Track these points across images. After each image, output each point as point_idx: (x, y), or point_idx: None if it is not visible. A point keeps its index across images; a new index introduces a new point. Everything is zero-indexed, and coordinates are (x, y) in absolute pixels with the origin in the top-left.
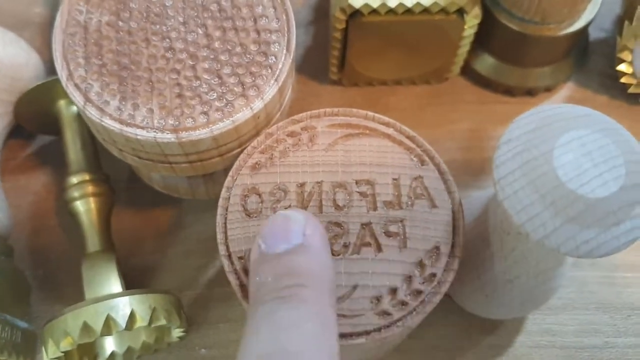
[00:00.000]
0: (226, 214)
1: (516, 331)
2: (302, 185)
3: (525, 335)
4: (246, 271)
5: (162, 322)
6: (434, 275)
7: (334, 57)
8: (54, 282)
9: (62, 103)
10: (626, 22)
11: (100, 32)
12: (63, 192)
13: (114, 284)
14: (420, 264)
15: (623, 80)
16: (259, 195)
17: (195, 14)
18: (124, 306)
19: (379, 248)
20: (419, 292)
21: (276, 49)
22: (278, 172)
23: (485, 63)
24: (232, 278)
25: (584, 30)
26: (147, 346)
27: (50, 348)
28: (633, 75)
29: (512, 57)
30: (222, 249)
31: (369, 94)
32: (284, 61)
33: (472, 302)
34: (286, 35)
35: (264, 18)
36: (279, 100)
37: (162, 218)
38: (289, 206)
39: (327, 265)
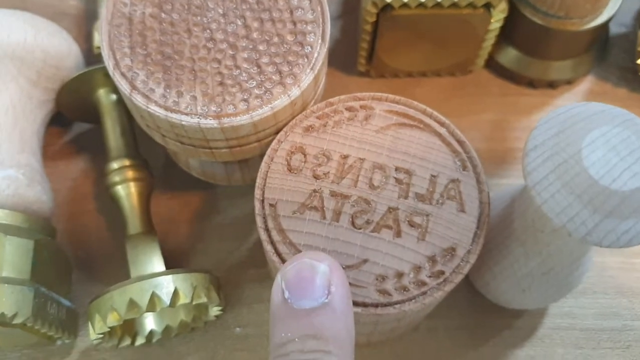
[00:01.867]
0: (271, 163)
1: (538, 314)
2: (345, 157)
3: (546, 317)
4: (272, 217)
5: (203, 299)
6: (442, 272)
7: (363, 49)
8: (93, 264)
9: (101, 92)
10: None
11: (144, 24)
12: (104, 177)
13: (157, 264)
14: (432, 259)
15: None
16: (304, 155)
17: (234, 6)
18: (168, 284)
19: (398, 233)
20: (423, 284)
21: (312, 39)
22: (327, 139)
23: (509, 56)
24: (259, 220)
25: (605, 25)
26: (185, 325)
27: (97, 323)
28: None
29: (535, 50)
30: (258, 192)
31: (395, 85)
32: (320, 50)
33: (508, 298)
34: (321, 26)
35: (299, 10)
36: (314, 88)
37: (197, 203)
38: (327, 173)
39: (350, 328)
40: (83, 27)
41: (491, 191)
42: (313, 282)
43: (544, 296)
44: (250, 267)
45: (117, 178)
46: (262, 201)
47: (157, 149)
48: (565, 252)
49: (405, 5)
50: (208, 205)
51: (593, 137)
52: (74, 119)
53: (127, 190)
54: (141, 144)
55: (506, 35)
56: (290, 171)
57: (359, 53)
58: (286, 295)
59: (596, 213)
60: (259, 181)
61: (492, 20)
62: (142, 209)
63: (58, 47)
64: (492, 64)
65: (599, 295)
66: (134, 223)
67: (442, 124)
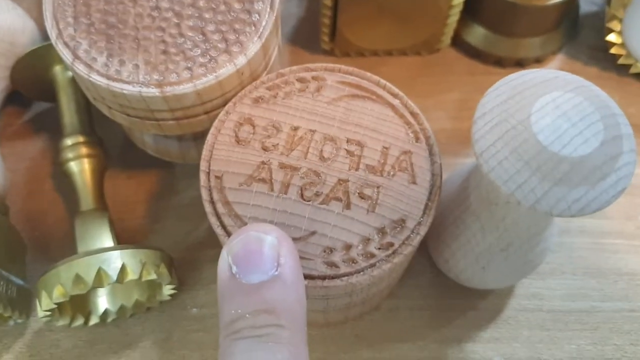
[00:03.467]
0: (218, 134)
1: (504, 295)
2: (295, 128)
3: (512, 298)
4: (218, 189)
5: (153, 276)
6: (391, 244)
7: (324, 25)
8: (49, 243)
9: (57, 68)
10: (606, 4)
11: None
12: (58, 154)
13: (106, 240)
14: (382, 231)
15: (612, 50)
16: (253, 126)
17: None
18: (116, 259)
19: (348, 206)
20: (371, 255)
21: (260, 7)
22: (277, 110)
23: (476, 34)
24: (204, 193)
25: (573, 1)
26: (140, 304)
27: (43, 300)
28: (622, 45)
29: (502, 27)
30: (203, 164)
31: (361, 64)
32: (268, 19)
33: (468, 275)
34: None
35: None
36: (263, 59)
37: (155, 183)
38: (277, 145)
39: (302, 300)
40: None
41: (451, 171)
42: (261, 254)
43: (504, 274)
44: (208, 248)
45: (70, 154)
46: (208, 173)
47: (116, 129)
48: (522, 226)
49: None
50: (166, 185)
51: (543, 102)
52: (30, 97)
53: (80, 167)
54: (100, 126)
55: (472, 12)
56: (238, 143)
57: (321, 29)
58: (234, 270)
59: (545, 180)
60: (205, 153)
61: None
62: (95, 185)
63: (11, 23)
64: (459, 43)
65: (567, 276)
66: (85, 199)
67: (395, 96)
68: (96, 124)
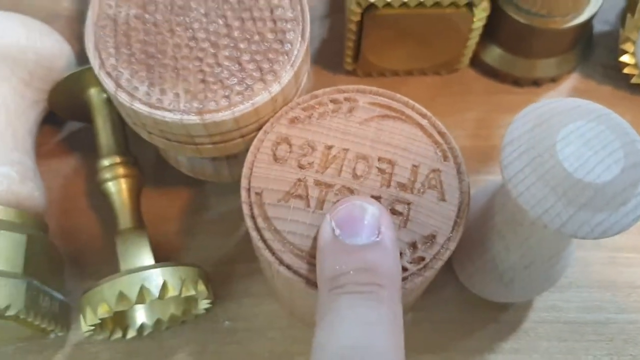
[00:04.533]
0: (257, 153)
1: (523, 307)
2: (330, 147)
3: (531, 311)
4: (258, 205)
5: (192, 292)
6: (422, 258)
7: (349, 48)
8: (85, 260)
9: (92, 91)
10: (628, 15)
11: (129, 24)
12: (95, 174)
13: (147, 258)
14: (413, 246)
15: (626, 70)
16: (290, 145)
17: (216, 5)
18: (157, 277)
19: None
20: (404, 269)
21: (292, 37)
22: (312, 130)
23: (494, 54)
24: (246, 208)
25: (588, 23)
26: (175, 318)
27: (88, 315)
28: (635, 66)
29: (519, 48)
30: (244, 181)
31: (382, 84)
32: (299, 48)
33: (491, 290)
34: (301, 23)
35: (279, 8)
36: (295, 85)
37: (187, 199)
38: (312, 163)
39: (398, 266)
40: (76, 28)
41: (476, 187)
42: (363, 219)
43: (526, 289)
44: (239, 262)
45: (108, 175)
46: (249, 190)
47: (149, 147)
48: (545, 246)
49: (388, 4)
50: (198, 202)
51: (567, 131)
52: (66, 118)
53: (117, 187)
54: (133, 143)
55: (490, 34)
56: (275, 161)
57: (345, 52)
58: (337, 232)
59: (570, 205)
60: (245, 170)
61: (474, 19)
62: (132, 204)
63: (50, 49)
64: (477, 63)
65: (583, 289)
66: (124, 218)
67: (423, 116)
68: (130, 143)
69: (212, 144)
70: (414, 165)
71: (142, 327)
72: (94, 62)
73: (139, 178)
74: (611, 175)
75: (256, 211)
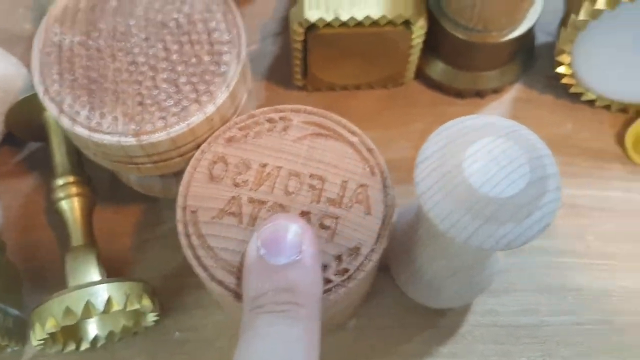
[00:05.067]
0: (194, 172)
1: (461, 312)
2: (264, 165)
3: (469, 315)
4: (193, 223)
5: (136, 306)
6: (346, 270)
7: (296, 65)
8: (43, 275)
9: (48, 113)
10: (562, 28)
11: (73, 51)
12: (50, 193)
13: (94, 274)
14: (339, 258)
15: (564, 81)
16: (226, 164)
17: (156, 30)
18: (102, 292)
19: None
20: (328, 281)
21: (228, 58)
22: (248, 149)
23: (437, 68)
24: (180, 227)
25: (526, 36)
26: (127, 329)
27: (37, 330)
28: (572, 76)
29: (460, 62)
30: (180, 200)
31: (332, 98)
32: (235, 69)
33: (424, 297)
34: (237, 46)
35: (216, 31)
36: (232, 105)
37: (139, 216)
38: (247, 181)
39: (318, 283)
40: None
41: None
42: (286, 240)
43: (455, 296)
44: (189, 275)
45: (61, 194)
46: (184, 208)
47: (103, 168)
48: (464, 256)
49: (329, 24)
50: (150, 217)
51: (475, 148)
52: (24, 138)
53: (70, 205)
54: (89, 163)
55: (432, 48)
56: (211, 180)
57: (294, 69)
58: (261, 252)
59: (476, 219)
60: (181, 189)
61: (413, 37)
62: (84, 222)
63: (4, 71)
64: (422, 76)
65: (519, 293)
66: (75, 235)
67: (354, 133)
68: (86, 164)
69: (152, 163)
70: (343, 181)
71: (95, 339)
72: (39, 88)
73: (90, 197)
74: (516, 190)
75: (190, 229)
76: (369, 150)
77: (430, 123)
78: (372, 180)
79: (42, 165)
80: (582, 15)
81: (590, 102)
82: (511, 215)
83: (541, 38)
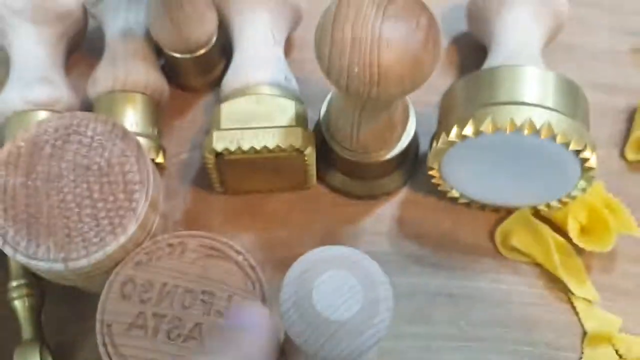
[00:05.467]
0: (109, 292)
1: None
2: (164, 284)
3: None
4: (108, 335)
5: None
6: None
7: (214, 179)
8: None
9: None
10: (429, 150)
11: (15, 190)
12: (6, 293)
13: None
14: None
15: (440, 188)
16: (134, 284)
17: (82, 173)
18: None
19: (202, 343)
20: None
21: (137, 196)
22: (151, 270)
23: (335, 178)
24: (99, 338)
25: (404, 153)
26: None
27: None
28: (445, 184)
29: (352, 174)
30: (99, 315)
31: (249, 200)
32: (143, 204)
33: None
34: (146, 185)
35: (130, 173)
36: (143, 232)
37: (85, 307)
38: (150, 298)
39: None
40: None
41: None
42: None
43: None
44: None
45: (14, 294)
46: (102, 322)
47: None
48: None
49: (233, 152)
50: (91, 308)
51: (322, 279)
52: None
53: (22, 304)
54: None
55: (329, 162)
56: (123, 298)
57: (212, 181)
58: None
59: (321, 336)
60: (100, 305)
61: (305, 159)
62: (33, 318)
63: None
64: (324, 182)
65: None
66: (26, 330)
67: (239, 253)
68: None
69: (81, 280)
70: (229, 295)
71: None
72: None
73: (40, 297)
74: (352, 313)
75: (107, 340)
76: (251, 267)
77: (333, 221)
78: (253, 294)
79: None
80: (440, 144)
81: (467, 204)
82: (348, 333)
83: (425, 146)
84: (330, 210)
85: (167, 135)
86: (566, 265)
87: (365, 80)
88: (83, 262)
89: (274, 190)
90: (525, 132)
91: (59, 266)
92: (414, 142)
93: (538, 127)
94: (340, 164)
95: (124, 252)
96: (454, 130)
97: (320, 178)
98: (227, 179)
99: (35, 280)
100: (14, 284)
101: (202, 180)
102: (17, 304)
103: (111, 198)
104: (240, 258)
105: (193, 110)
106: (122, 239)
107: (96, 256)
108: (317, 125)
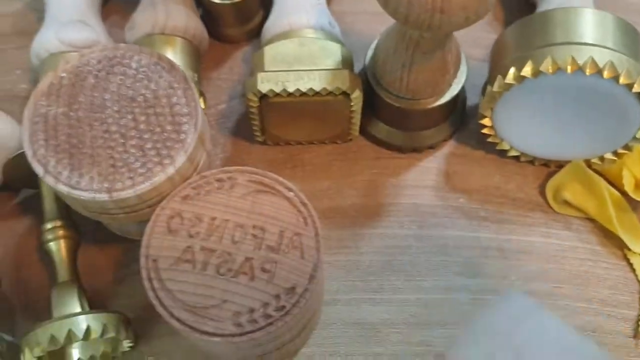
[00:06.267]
0: (154, 226)
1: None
2: (213, 219)
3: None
4: (154, 269)
5: (112, 334)
6: (284, 307)
7: (255, 125)
8: (33, 307)
9: None
10: (481, 97)
11: (57, 121)
12: (40, 235)
13: (76, 306)
14: (277, 297)
15: (489, 140)
16: (182, 218)
17: (127, 104)
18: (82, 322)
19: (252, 278)
20: (269, 316)
21: (186, 128)
22: (200, 205)
23: (378, 128)
24: (144, 273)
25: (453, 102)
26: (106, 354)
27: (26, 354)
28: (496, 136)
29: (397, 123)
30: (143, 250)
31: (288, 151)
32: (192, 136)
33: None
34: (194, 117)
35: (177, 105)
36: (191, 166)
37: (120, 255)
38: (199, 232)
39: None
40: None
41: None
42: None
43: None
44: None
45: (49, 236)
46: (147, 257)
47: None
48: None
49: (278, 95)
50: (127, 256)
51: None
52: (19, 187)
53: (57, 246)
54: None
55: (373, 111)
56: (169, 232)
57: (253, 128)
58: None
59: None
60: (144, 240)
61: (351, 104)
62: (69, 261)
63: (2, 132)
64: (366, 134)
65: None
66: (61, 273)
67: (289, 189)
68: (72, 210)
69: (124, 213)
70: (281, 231)
71: None
72: (28, 152)
73: (75, 239)
74: None
75: (152, 274)
76: (303, 203)
77: (374, 174)
78: (306, 230)
79: (34, 210)
80: (495, 87)
81: (516, 157)
82: None
83: (474, 99)
84: (372, 163)
85: (204, 87)
86: (621, 220)
87: (427, 7)
88: (128, 193)
89: (315, 142)
90: (587, 71)
91: (102, 197)
92: (463, 93)
93: (601, 66)
94: (384, 113)
95: (171, 184)
96: (512, 71)
97: (362, 131)
98: (269, 125)
99: (70, 222)
100: (49, 225)
101: (241, 130)
102: (52, 246)
103: (158, 129)
104: (291, 194)
105: (231, 61)
106: (170, 170)
107: (142, 187)
108: (361, 73)
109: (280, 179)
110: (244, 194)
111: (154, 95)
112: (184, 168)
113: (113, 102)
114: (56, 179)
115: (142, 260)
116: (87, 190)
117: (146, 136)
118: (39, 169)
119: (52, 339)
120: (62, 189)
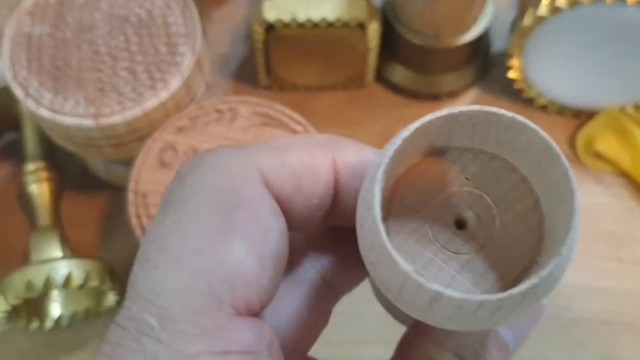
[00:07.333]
0: (145, 159)
1: None
2: None
3: None
4: (144, 206)
5: (95, 283)
6: None
7: (260, 64)
8: (14, 254)
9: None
10: (510, 36)
11: (41, 41)
12: (21, 177)
13: (56, 251)
14: None
15: (516, 86)
16: (176, 151)
17: (119, 24)
18: (63, 268)
19: None
20: None
21: (183, 50)
22: (196, 137)
23: (394, 71)
24: (131, 209)
25: (478, 42)
26: (90, 310)
27: (0, 302)
28: (524, 81)
29: (416, 65)
30: (132, 185)
31: (296, 98)
32: (190, 59)
33: None
34: (193, 39)
35: (174, 25)
36: (187, 94)
37: (106, 203)
38: None
39: None
40: None
41: None
42: None
43: None
44: None
45: (31, 177)
46: (136, 192)
47: (74, 160)
48: None
49: (287, 26)
50: (114, 206)
51: None
52: (1, 128)
53: (39, 189)
54: (60, 153)
55: (390, 52)
56: (162, 166)
57: (258, 68)
58: None
59: None
60: (133, 175)
61: (368, 39)
62: (51, 204)
63: None
64: (381, 79)
65: None
66: (42, 216)
67: (298, 123)
68: (56, 154)
69: (111, 146)
70: None
71: (60, 318)
72: (8, 73)
73: (58, 182)
74: None
75: (141, 211)
76: None
77: (389, 123)
78: None
79: (17, 156)
80: (526, 21)
81: (544, 108)
82: None
83: (499, 45)
84: (387, 111)
85: (206, 29)
86: None
87: None
88: (117, 119)
89: (324, 88)
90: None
91: (88, 122)
92: (487, 36)
93: None
94: (403, 53)
95: (165, 112)
96: (545, 2)
97: (377, 76)
98: (275, 65)
99: (54, 164)
100: (31, 167)
101: (245, 74)
102: (34, 188)
103: (152, 51)
104: (300, 128)
105: (234, 1)
106: (163, 95)
107: (132, 112)
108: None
109: (288, 110)
110: (247, 126)
111: (149, 15)
112: (179, 94)
113: (104, 22)
114: (38, 102)
115: (130, 196)
116: (71, 115)
117: (138, 58)
118: (19, 92)
119: (29, 284)
120: (44, 113)
